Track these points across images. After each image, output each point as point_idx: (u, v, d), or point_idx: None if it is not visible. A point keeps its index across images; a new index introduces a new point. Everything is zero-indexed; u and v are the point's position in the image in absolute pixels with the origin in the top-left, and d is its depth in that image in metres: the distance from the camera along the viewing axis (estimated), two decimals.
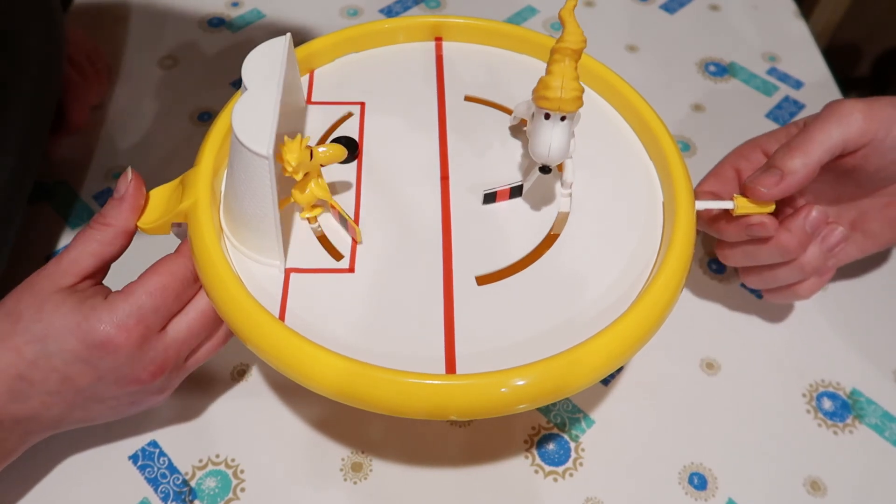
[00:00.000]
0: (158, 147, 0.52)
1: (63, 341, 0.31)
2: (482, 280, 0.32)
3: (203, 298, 0.33)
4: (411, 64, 0.41)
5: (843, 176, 0.39)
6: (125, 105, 0.55)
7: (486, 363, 0.29)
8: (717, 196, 0.40)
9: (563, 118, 0.30)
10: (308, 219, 0.34)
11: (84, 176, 0.50)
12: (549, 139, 0.30)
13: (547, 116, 0.30)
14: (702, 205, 0.36)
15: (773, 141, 0.40)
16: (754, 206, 0.36)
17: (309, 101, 0.39)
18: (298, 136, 0.30)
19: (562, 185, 0.35)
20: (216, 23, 0.62)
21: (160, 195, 0.34)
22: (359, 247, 0.33)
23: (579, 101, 0.29)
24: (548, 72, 0.29)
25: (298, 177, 0.31)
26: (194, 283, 0.33)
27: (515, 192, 0.35)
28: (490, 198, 0.35)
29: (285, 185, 0.33)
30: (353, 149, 0.36)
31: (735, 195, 0.37)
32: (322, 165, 0.32)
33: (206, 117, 0.54)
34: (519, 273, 0.33)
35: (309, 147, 0.31)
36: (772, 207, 0.37)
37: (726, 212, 0.38)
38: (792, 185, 0.36)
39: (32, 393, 0.31)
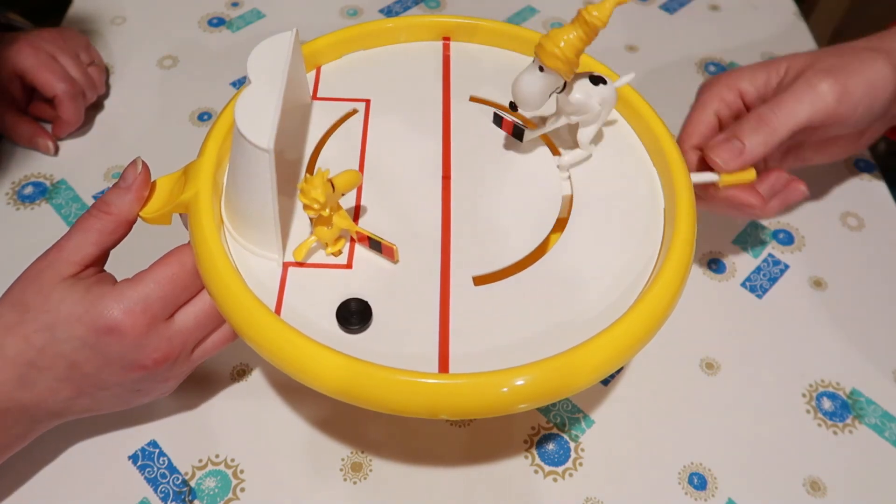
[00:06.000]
0: (158, 147, 0.52)
1: (71, 329, 0.31)
2: (479, 280, 0.32)
3: None
4: (418, 63, 0.41)
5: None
6: (125, 105, 0.55)
7: (480, 363, 0.29)
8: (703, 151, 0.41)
9: (540, 68, 0.31)
10: (333, 253, 0.33)
11: (84, 176, 0.50)
12: (520, 77, 0.32)
13: (542, 69, 0.32)
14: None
15: (750, 83, 0.40)
16: (738, 177, 0.37)
17: (315, 97, 0.39)
18: (319, 169, 0.29)
19: (558, 167, 0.36)
20: (216, 23, 0.62)
21: (163, 185, 0.35)
22: (357, 243, 0.33)
23: (558, 61, 0.30)
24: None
25: (326, 213, 0.30)
26: None
27: (517, 131, 0.37)
28: (497, 119, 0.37)
29: (285, 180, 0.33)
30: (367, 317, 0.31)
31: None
32: (343, 195, 0.31)
33: (206, 117, 0.54)
34: (517, 274, 0.33)
35: (329, 180, 0.29)
36: (753, 175, 0.37)
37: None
38: (750, 161, 0.37)
39: (40, 379, 0.32)
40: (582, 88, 0.34)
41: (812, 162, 0.45)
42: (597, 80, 0.34)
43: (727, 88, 0.40)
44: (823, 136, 0.40)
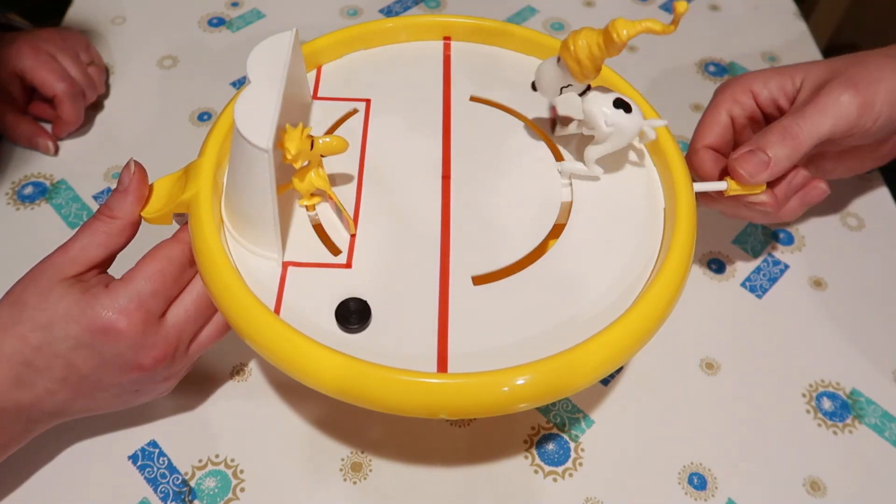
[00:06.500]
0: (158, 147, 0.52)
1: (67, 328, 0.31)
2: (478, 280, 0.32)
3: (198, 283, 0.34)
4: (419, 63, 0.41)
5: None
6: (125, 105, 0.55)
7: (479, 363, 0.29)
8: (716, 150, 0.40)
9: (558, 59, 0.32)
10: (306, 206, 0.34)
11: (84, 176, 0.50)
12: (543, 61, 0.34)
13: (558, 60, 0.32)
14: (697, 187, 0.36)
15: (763, 85, 0.40)
16: (747, 188, 0.37)
17: (315, 97, 0.39)
18: (300, 125, 0.31)
19: (560, 173, 0.36)
20: (216, 23, 0.62)
21: (164, 185, 0.35)
22: (357, 242, 0.33)
23: (568, 55, 0.31)
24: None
25: (298, 165, 0.31)
26: (190, 267, 0.33)
27: (553, 123, 0.38)
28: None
29: (286, 176, 0.33)
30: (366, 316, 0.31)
31: (728, 177, 0.37)
32: (323, 156, 0.33)
33: (206, 117, 0.54)
34: (516, 274, 0.33)
35: (311, 137, 0.31)
36: (763, 189, 0.37)
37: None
38: (776, 173, 0.36)
39: (37, 380, 0.32)
40: (596, 102, 0.33)
41: (833, 175, 0.44)
42: (620, 104, 0.32)
43: (740, 89, 0.41)
44: (843, 146, 0.40)
